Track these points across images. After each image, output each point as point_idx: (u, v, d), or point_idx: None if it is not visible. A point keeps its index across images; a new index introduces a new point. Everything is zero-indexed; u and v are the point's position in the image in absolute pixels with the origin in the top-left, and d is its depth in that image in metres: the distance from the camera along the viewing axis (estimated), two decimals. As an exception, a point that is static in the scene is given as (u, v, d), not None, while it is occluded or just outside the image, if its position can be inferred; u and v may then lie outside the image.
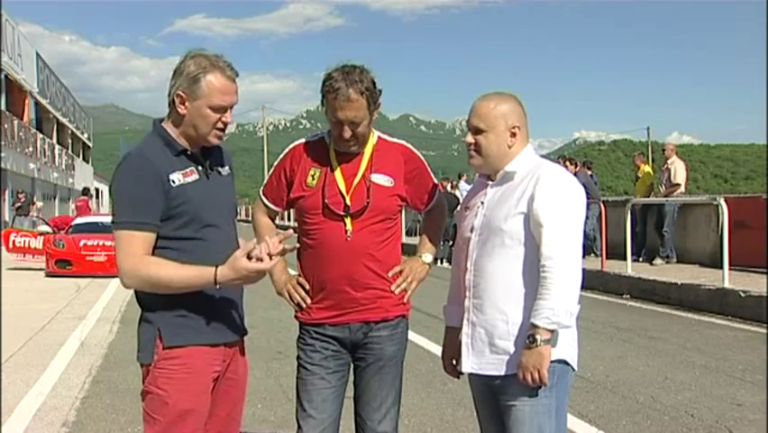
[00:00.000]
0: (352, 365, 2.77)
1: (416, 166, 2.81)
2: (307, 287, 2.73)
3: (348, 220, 2.65)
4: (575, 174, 13.69)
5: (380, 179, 2.70)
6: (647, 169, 14.30)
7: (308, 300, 2.73)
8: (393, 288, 2.71)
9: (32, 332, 8.04)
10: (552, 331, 2.29)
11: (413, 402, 4.88)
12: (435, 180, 2.92)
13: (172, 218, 2.27)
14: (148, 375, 2.31)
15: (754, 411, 4.73)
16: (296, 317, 2.81)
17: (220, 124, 2.34)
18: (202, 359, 2.31)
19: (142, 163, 2.27)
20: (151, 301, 2.31)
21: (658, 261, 11.91)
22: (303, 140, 2.84)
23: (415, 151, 2.83)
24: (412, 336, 7.26)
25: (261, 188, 2.90)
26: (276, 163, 2.84)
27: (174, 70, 2.34)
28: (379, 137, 2.77)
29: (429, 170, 2.89)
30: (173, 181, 2.28)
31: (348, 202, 2.65)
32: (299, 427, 2.71)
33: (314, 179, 2.70)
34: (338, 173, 2.69)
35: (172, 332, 2.28)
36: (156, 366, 2.28)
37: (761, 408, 4.77)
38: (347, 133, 2.61)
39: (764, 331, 7.42)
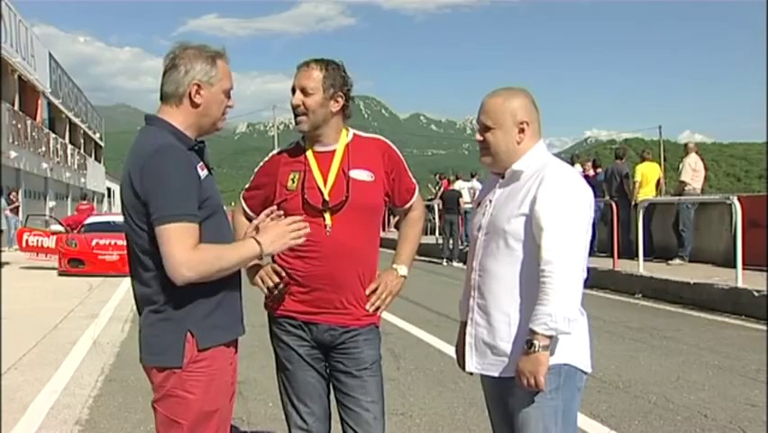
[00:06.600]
0: (327, 365, 2.76)
1: (394, 160, 2.80)
2: (283, 275, 2.70)
3: (327, 215, 2.65)
4: (612, 168, 13.41)
5: (360, 174, 2.69)
6: (652, 164, 13.35)
7: (281, 286, 2.70)
8: (368, 307, 2.70)
9: (45, 331, 8.09)
10: (550, 337, 2.25)
11: (424, 402, 4.82)
12: (414, 180, 2.89)
13: (200, 211, 2.21)
14: (168, 379, 2.22)
15: (769, 412, 4.69)
16: (265, 305, 2.79)
17: (226, 109, 2.37)
18: (224, 358, 2.29)
19: (182, 155, 2.21)
20: (179, 300, 2.21)
21: (677, 261, 11.77)
22: (276, 150, 2.88)
23: (392, 145, 2.82)
24: (423, 335, 7.25)
25: (243, 191, 2.90)
26: (255, 171, 2.86)
27: (171, 65, 2.28)
28: (354, 134, 2.78)
29: (407, 167, 2.86)
30: (199, 175, 2.24)
31: (326, 197, 2.65)
32: (286, 415, 2.75)
33: (294, 182, 2.71)
34: (315, 171, 2.70)
35: (204, 333, 2.22)
36: (185, 369, 2.20)
37: (775, 408, 4.73)
38: (296, 100, 2.66)
39: (778, 331, 7.36)
